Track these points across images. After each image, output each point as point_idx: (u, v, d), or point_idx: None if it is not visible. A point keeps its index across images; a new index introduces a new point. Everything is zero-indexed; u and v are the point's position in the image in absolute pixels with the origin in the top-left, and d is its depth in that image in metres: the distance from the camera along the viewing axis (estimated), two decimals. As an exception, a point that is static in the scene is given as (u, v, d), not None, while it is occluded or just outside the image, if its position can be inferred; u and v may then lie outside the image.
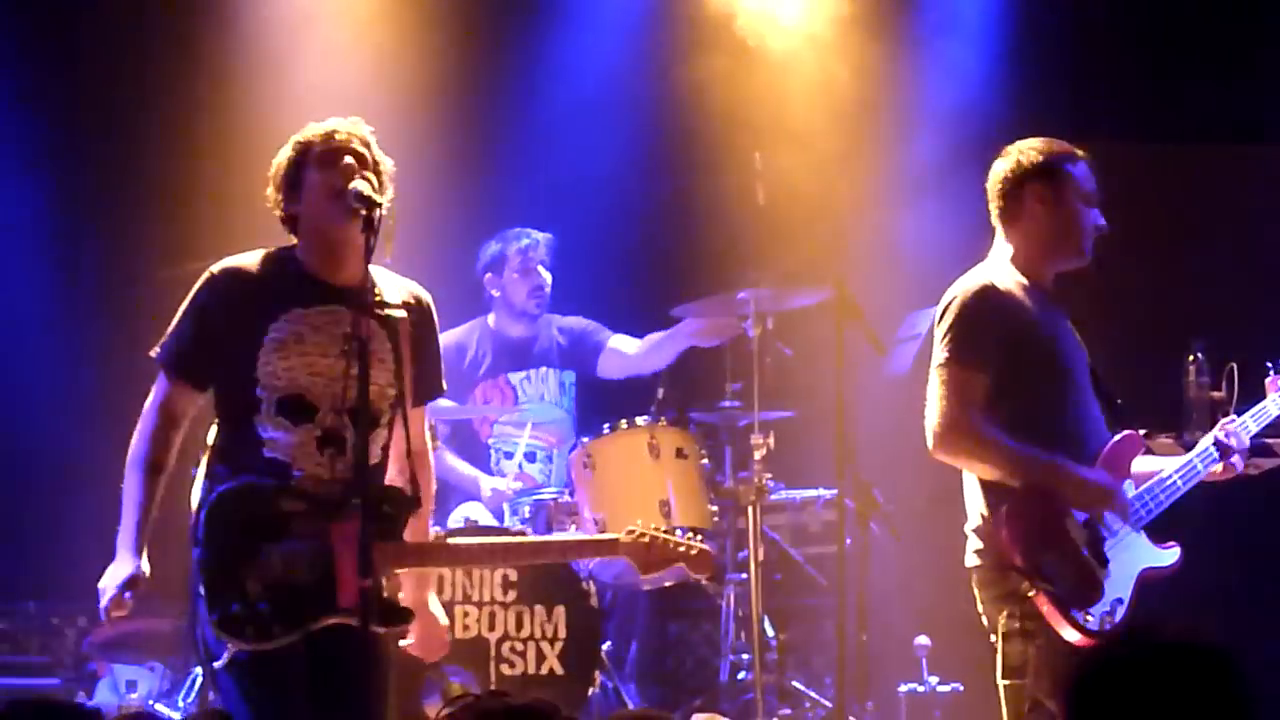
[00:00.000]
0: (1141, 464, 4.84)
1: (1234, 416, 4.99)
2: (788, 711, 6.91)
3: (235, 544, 4.29)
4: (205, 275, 4.52)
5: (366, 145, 4.49)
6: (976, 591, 4.76)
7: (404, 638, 4.62)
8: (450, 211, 7.60)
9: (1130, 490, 4.77)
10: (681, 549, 4.68)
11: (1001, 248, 4.89)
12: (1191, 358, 5.54)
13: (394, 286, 4.54)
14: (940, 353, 4.73)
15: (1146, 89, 8.04)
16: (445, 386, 4.78)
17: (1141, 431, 4.87)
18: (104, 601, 4.37)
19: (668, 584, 6.89)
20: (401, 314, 4.47)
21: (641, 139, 8.07)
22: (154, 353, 4.53)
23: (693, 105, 7.77)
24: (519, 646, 6.41)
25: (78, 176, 7.84)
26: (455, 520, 6.69)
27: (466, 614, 6.40)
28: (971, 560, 4.76)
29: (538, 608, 6.43)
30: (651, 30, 8.02)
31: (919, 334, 6.84)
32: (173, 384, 4.50)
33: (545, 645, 6.41)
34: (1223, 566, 6.87)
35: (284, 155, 4.54)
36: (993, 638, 4.73)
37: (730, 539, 7.09)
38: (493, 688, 6.13)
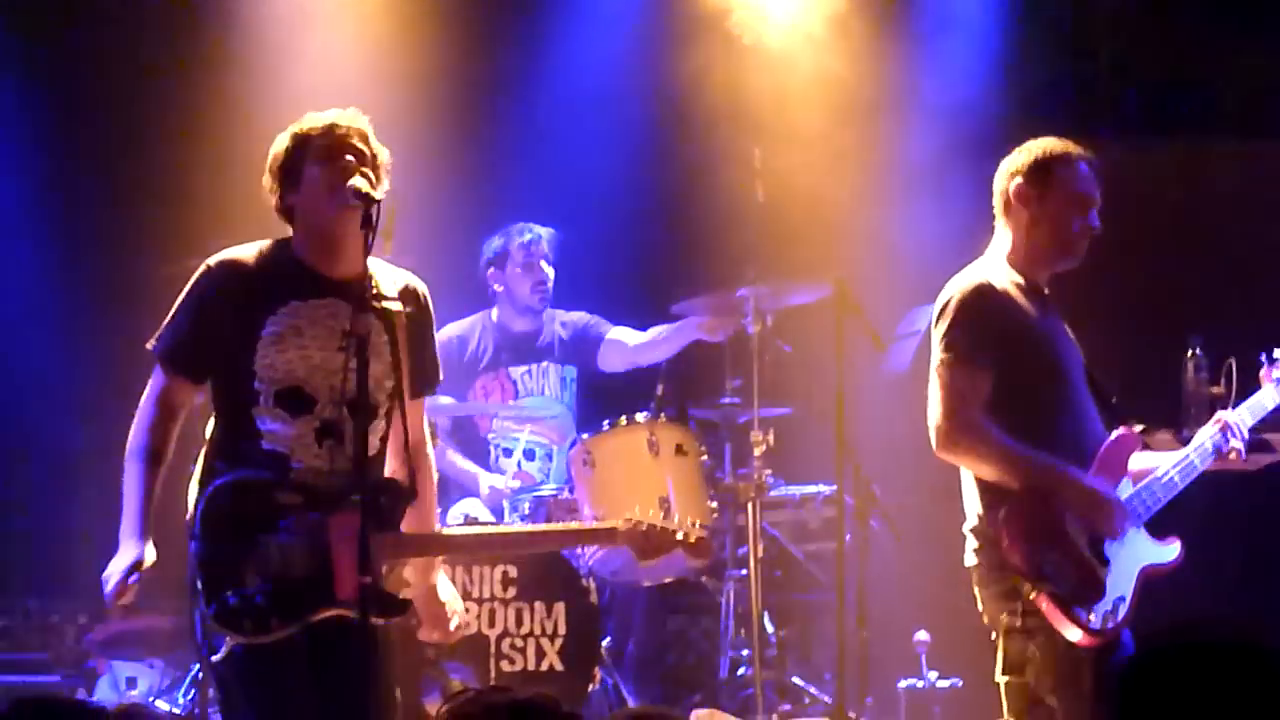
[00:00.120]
0: (1139, 460, 4.84)
1: (1230, 410, 5.00)
2: (787, 707, 6.91)
3: (232, 537, 4.29)
4: (202, 267, 4.51)
5: (365, 139, 4.48)
6: (976, 590, 4.76)
7: (409, 624, 4.62)
8: (451, 208, 7.62)
9: (1128, 488, 4.77)
10: (679, 536, 4.68)
11: (999, 244, 4.89)
12: (1190, 353, 5.53)
13: (390, 278, 4.54)
14: (940, 351, 4.72)
15: (1146, 84, 8.04)
16: (442, 376, 4.78)
17: (1140, 428, 4.87)
18: (109, 588, 4.34)
19: (667, 580, 6.91)
20: (398, 306, 4.47)
21: (641, 136, 8.08)
22: (150, 345, 4.53)
23: (692, 102, 7.77)
24: (519, 643, 6.41)
25: (77, 171, 7.85)
26: (454, 517, 6.68)
27: (466, 611, 6.38)
28: (970, 559, 4.76)
29: (537, 604, 6.43)
30: (652, 27, 8.01)
31: (918, 330, 6.84)
32: (169, 377, 4.50)
33: (545, 642, 6.41)
34: (1221, 561, 6.88)
35: (282, 145, 4.52)
36: (993, 635, 4.73)
37: (730, 535, 7.10)
38: (493, 684, 6.13)
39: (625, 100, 8.02)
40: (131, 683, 7.06)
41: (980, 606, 4.75)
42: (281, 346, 4.40)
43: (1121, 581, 4.66)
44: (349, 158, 4.41)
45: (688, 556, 4.78)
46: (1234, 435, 4.90)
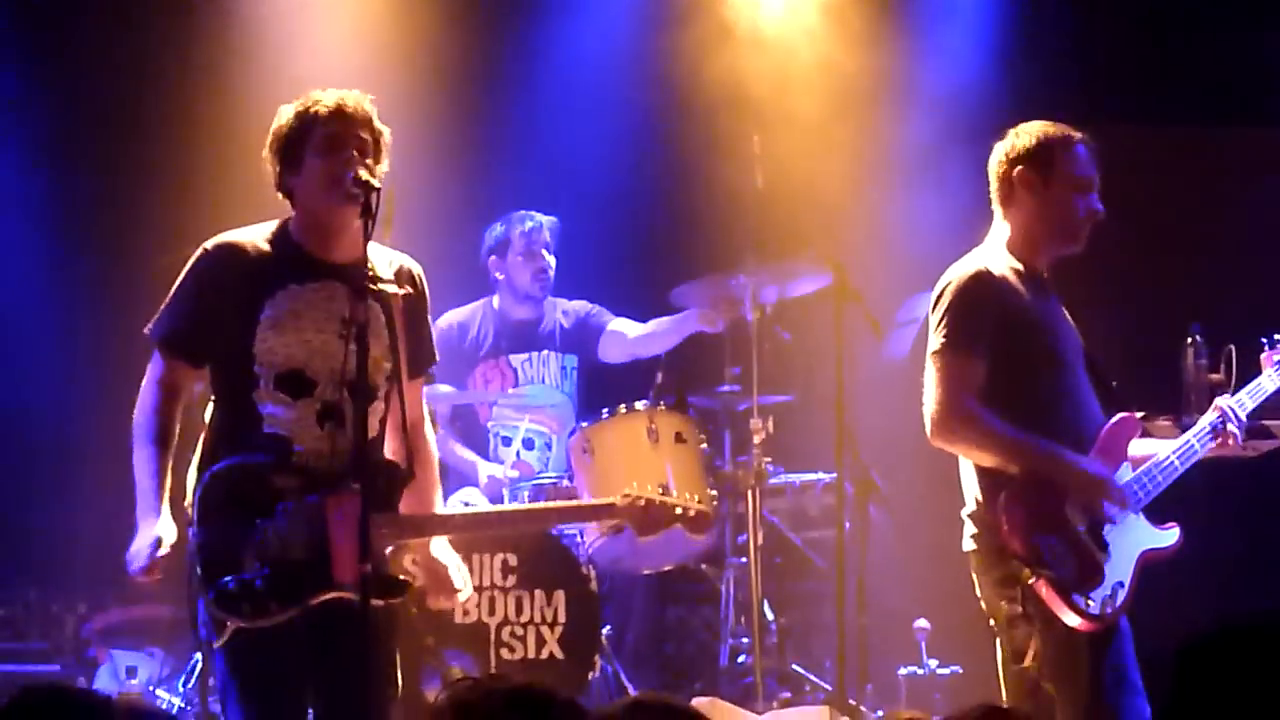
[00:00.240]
0: (1139, 446, 4.84)
1: (1230, 395, 5.00)
2: (787, 695, 6.91)
3: (230, 522, 4.29)
4: (199, 251, 4.51)
5: (369, 125, 4.47)
6: (975, 576, 4.76)
7: (408, 604, 4.61)
8: (452, 196, 7.62)
9: (1127, 473, 4.77)
10: (679, 510, 4.69)
11: (998, 231, 4.88)
12: (1190, 340, 5.53)
13: (385, 260, 4.53)
14: (936, 339, 4.72)
15: (1146, 70, 8.03)
16: (438, 357, 4.78)
17: (1140, 414, 4.87)
18: (136, 566, 4.34)
19: (667, 568, 6.91)
20: (394, 288, 4.46)
21: (641, 123, 8.07)
22: (148, 330, 4.52)
23: (692, 89, 7.76)
24: (519, 631, 6.42)
25: (76, 163, 7.84)
26: (452, 506, 6.68)
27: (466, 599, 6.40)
28: (969, 545, 4.76)
29: (537, 592, 6.43)
30: (651, 14, 8.00)
31: (917, 318, 6.83)
32: (168, 361, 4.50)
33: (545, 630, 6.42)
34: (1220, 546, 6.88)
35: (285, 122, 4.49)
36: (992, 622, 4.73)
37: (729, 523, 7.09)
38: (493, 672, 6.13)
39: (626, 88, 8.02)
40: (131, 672, 7.07)
41: (978, 592, 4.75)
42: (280, 330, 4.40)
43: (1120, 567, 4.66)
44: (352, 151, 4.40)
45: (687, 531, 4.76)
46: (1231, 418, 4.90)
